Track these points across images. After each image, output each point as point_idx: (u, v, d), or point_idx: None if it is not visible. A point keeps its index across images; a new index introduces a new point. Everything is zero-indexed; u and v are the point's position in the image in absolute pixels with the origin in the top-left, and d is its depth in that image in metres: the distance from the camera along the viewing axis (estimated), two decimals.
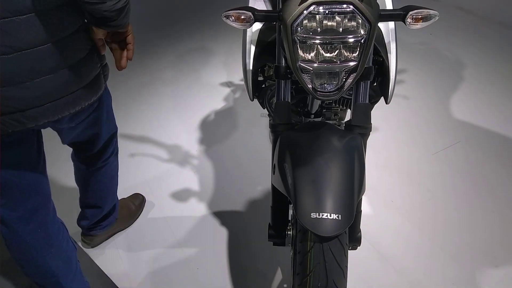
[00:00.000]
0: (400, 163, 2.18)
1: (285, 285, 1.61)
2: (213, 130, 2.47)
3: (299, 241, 1.05)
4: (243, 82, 1.48)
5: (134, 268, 1.71)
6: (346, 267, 1.04)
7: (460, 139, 2.33)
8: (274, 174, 1.16)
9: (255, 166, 2.17)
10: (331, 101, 1.52)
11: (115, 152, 1.60)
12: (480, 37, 3.40)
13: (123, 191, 2.07)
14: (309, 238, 1.02)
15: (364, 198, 1.93)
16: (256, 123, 2.48)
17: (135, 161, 2.25)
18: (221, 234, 1.83)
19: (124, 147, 2.35)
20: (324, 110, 1.58)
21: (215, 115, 2.60)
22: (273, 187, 1.23)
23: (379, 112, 2.51)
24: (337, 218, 0.96)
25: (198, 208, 1.96)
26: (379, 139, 2.35)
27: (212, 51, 3.30)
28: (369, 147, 2.26)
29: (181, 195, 2.02)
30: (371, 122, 1.20)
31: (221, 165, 2.20)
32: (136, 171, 2.18)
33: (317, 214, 0.97)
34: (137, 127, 2.51)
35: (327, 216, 0.96)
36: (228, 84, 2.91)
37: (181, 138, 2.41)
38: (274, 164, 1.16)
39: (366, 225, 1.82)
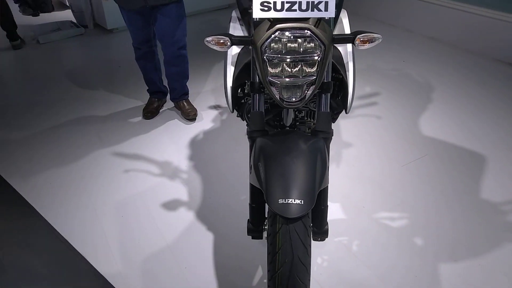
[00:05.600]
0: (372, 175, 2.39)
1: (264, 280, 1.77)
2: (201, 148, 2.67)
3: (269, 224, 1.24)
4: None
5: (127, 268, 1.86)
6: (310, 245, 1.22)
7: (428, 153, 2.56)
8: (251, 173, 1.36)
9: (239, 179, 2.36)
10: (302, 112, 1.75)
11: None
12: (449, 64, 3.71)
13: (116, 203, 2.24)
14: (278, 221, 1.21)
15: (337, 205, 2.15)
16: (240, 142, 2.69)
17: (129, 176, 2.43)
18: (207, 237, 2.00)
19: (118, 163, 2.54)
20: (298, 123, 1.80)
21: (203, 135, 2.80)
22: (251, 185, 1.43)
23: (353, 131, 2.75)
24: (300, 202, 1.16)
25: (186, 215, 2.13)
26: (353, 154, 2.56)
27: (202, 80, 3.56)
28: (343, 161, 2.48)
29: (170, 204, 2.20)
30: (332, 128, 1.41)
31: (209, 178, 2.39)
32: (130, 184, 2.36)
33: (284, 200, 1.17)
34: (133, 145, 2.70)
35: (291, 201, 1.16)
36: (216, 107, 3.13)
37: (172, 155, 2.60)
38: (251, 165, 1.36)
39: (338, 228, 2.01)
